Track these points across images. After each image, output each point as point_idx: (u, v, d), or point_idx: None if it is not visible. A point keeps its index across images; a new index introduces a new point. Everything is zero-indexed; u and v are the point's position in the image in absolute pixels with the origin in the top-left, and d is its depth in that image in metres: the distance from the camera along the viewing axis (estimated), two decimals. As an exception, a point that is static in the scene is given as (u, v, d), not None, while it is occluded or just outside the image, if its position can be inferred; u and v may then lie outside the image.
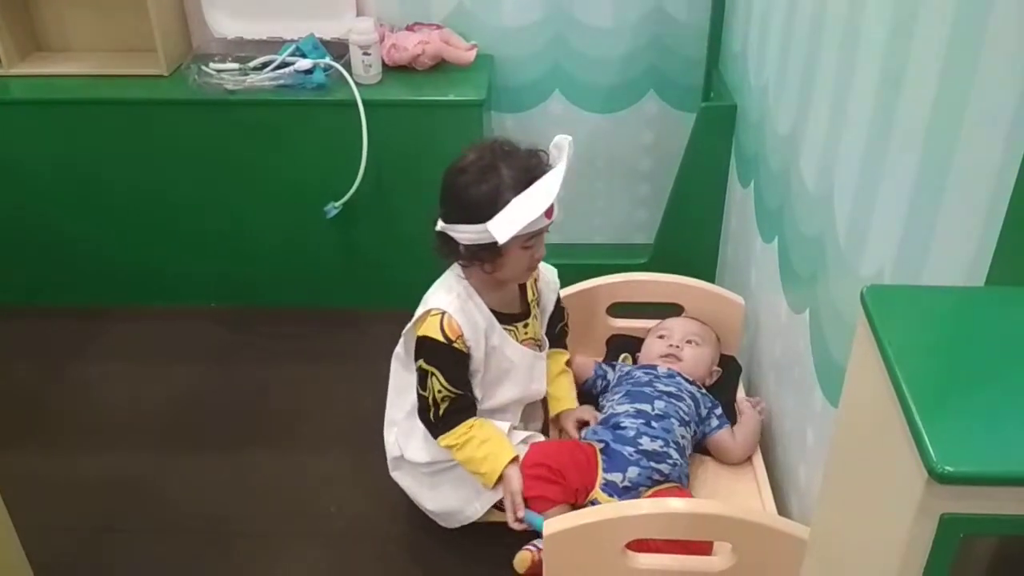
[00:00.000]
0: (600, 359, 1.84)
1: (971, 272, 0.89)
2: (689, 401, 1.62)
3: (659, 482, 1.50)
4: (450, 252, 1.53)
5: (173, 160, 2.15)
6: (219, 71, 2.10)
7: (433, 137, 2.08)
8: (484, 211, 1.42)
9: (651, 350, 1.76)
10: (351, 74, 2.06)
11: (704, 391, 1.68)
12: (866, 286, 0.70)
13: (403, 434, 1.66)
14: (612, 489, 1.49)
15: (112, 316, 2.32)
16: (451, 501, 1.63)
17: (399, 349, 1.65)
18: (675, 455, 1.53)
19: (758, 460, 1.61)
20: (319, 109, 2.07)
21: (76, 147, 2.16)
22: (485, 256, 1.48)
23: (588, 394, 1.75)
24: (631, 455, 1.51)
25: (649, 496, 1.48)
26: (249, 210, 2.22)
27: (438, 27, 2.19)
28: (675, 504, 1.34)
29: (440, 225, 1.50)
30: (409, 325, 1.57)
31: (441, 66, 2.17)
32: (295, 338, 2.26)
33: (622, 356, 1.82)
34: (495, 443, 1.53)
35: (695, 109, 2.11)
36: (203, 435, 1.96)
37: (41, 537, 1.51)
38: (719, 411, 1.66)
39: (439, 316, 1.51)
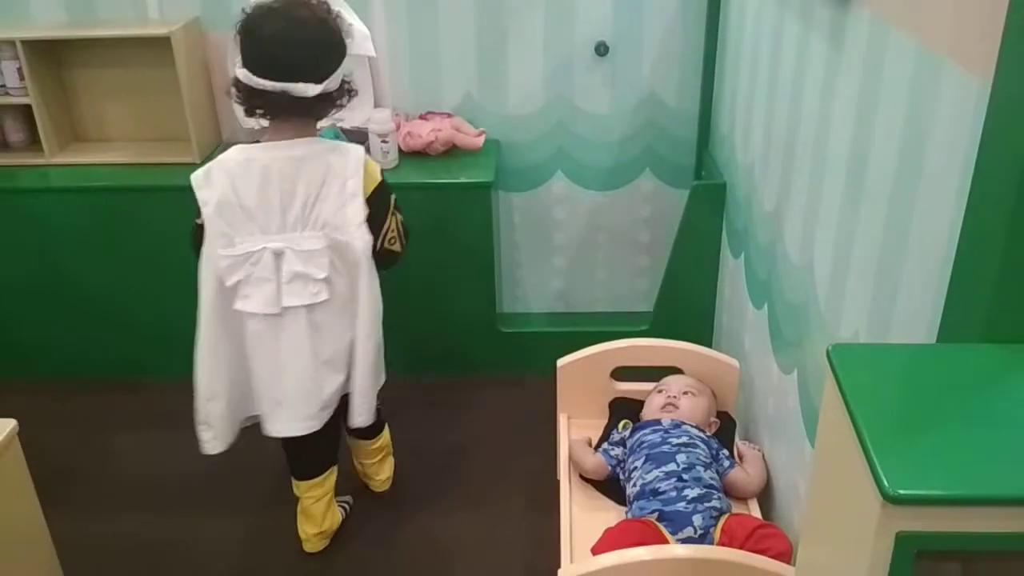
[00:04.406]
0: (604, 421, 1.95)
1: (928, 332, 1.02)
2: (702, 446, 1.71)
3: (718, 518, 1.58)
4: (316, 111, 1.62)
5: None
6: (247, 159, 2.25)
7: (447, 216, 2.24)
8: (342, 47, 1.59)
9: (652, 404, 1.87)
10: (370, 160, 2.22)
11: (709, 435, 1.79)
12: (831, 345, 0.83)
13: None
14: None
15: (142, 388, 2.42)
16: None
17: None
18: (716, 492, 1.62)
19: (755, 510, 1.71)
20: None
21: (113, 229, 2.29)
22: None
23: (616, 483, 1.76)
24: (686, 507, 1.58)
25: (722, 528, 1.55)
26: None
27: (449, 115, 2.36)
28: (679, 551, 1.44)
29: (321, 85, 1.54)
30: (355, 180, 1.64)
31: (452, 151, 2.33)
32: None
33: (622, 423, 1.89)
34: None
35: (688, 186, 2.26)
36: (230, 499, 2.06)
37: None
38: (726, 452, 1.76)
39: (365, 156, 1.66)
